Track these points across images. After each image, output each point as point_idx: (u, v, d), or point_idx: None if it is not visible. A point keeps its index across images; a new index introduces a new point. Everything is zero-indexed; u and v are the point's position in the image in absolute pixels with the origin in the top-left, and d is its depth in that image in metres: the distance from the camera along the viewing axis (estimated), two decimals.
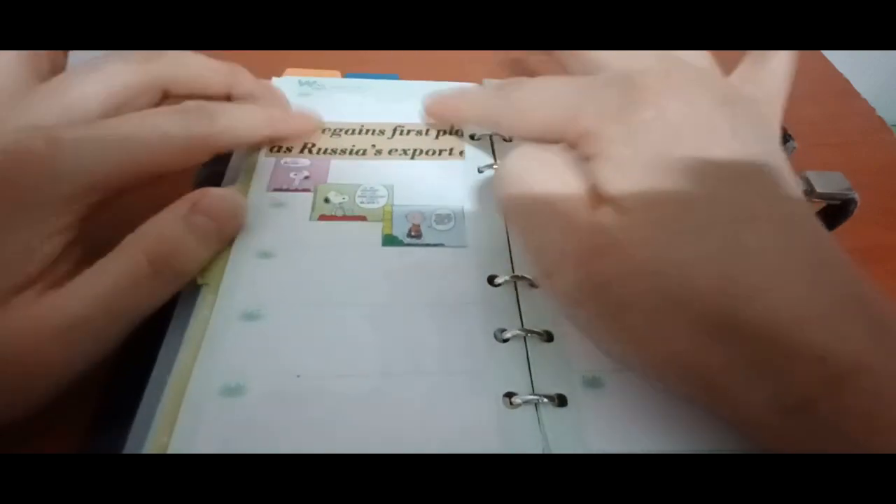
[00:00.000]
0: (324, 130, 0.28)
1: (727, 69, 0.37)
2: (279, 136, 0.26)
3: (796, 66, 0.23)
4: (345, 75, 0.33)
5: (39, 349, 0.17)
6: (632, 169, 0.17)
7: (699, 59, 0.21)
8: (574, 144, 0.19)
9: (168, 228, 0.20)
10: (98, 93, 0.21)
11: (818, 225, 0.17)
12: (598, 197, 0.17)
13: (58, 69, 0.23)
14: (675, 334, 0.15)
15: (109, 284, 0.18)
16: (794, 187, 0.17)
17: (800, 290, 0.15)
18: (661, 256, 0.16)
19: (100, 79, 0.21)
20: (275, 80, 0.30)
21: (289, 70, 0.32)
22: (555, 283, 0.18)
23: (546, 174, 0.18)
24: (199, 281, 0.21)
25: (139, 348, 0.19)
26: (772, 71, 0.22)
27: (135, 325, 0.19)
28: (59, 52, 0.23)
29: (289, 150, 0.26)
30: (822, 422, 0.14)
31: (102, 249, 0.19)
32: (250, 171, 0.25)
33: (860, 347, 0.14)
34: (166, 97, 0.23)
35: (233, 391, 0.18)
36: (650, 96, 0.17)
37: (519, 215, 0.19)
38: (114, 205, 0.20)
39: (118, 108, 0.21)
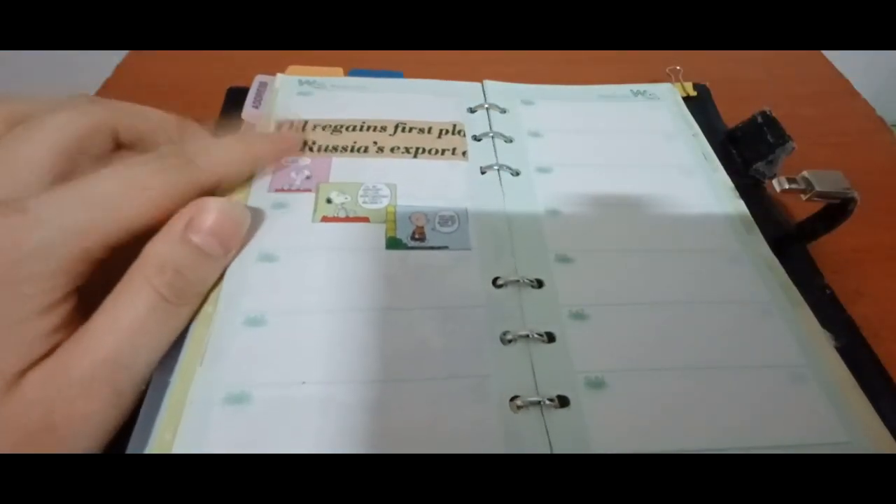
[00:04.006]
0: (324, 127, 0.27)
1: (733, 69, 0.37)
2: (262, 166, 0.24)
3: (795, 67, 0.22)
4: (348, 73, 0.33)
5: (73, 401, 0.16)
6: None
7: None
8: None
9: (168, 254, 0.18)
10: (46, 152, 0.18)
11: None
12: None
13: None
14: None
15: (126, 322, 0.17)
16: None
17: None
18: None
19: (45, 135, 0.19)
20: (277, 78, 0.30)
21: (291, 68, 0.32)
22: None
23: None
24: None
25: None
26: None
27: (167, 350, 0.19)
28: None
29: None
30: None
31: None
32: None
33: None
34: (119, 146, 0.21)
35: (237, 399, 0.18)
36: None
37: None
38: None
39: (71, 160, 0.19)
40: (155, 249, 0.18)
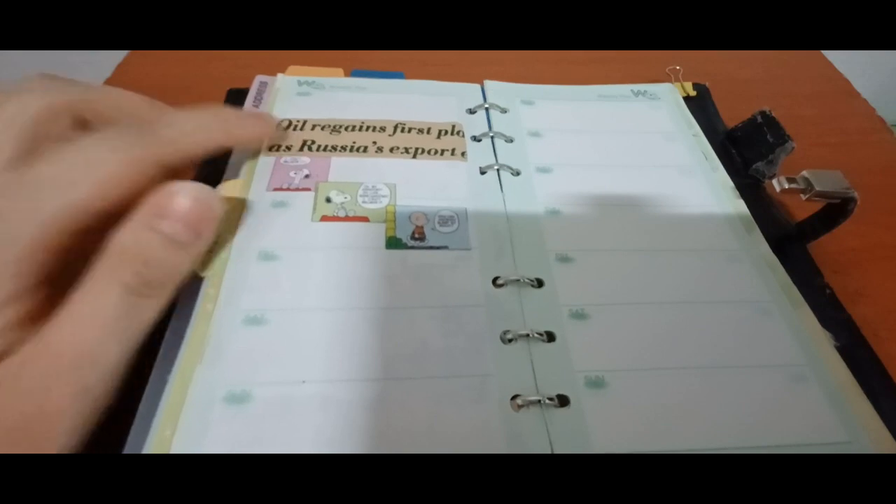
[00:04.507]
0: (324, 127, 0.27)
1: (733, 69, 0.37)
2: (236, 141, 0.23)
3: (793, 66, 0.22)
4: (350, 73, 0.33)
5: (37, 400, 0.16)
6: None
7: None
8: None
9: (132, 243, 0.17)
10: (8, 137, 0.17)
11: None
12: None
13: None
14: None
15: (89, 317, 0.16)
16: None
17: None
18: None
19: (3, 120, 0.17)
20: (276, 79, 0.30)
21: (291, 68, 0.32)
22: None
23: None
24: (200, 273, 0.20)
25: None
26: None
27: (139, 343, 0.18)
28: None
29: (288, 148, 0.26)
30: None
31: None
32: (250, 170, 0.25)
33: None
34: (84, 128, 0.20)
35: (237, 398, 0.18)
36: None
37: None
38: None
39: (29, 145, 0.18)
40: (119, 239, 0.17)
